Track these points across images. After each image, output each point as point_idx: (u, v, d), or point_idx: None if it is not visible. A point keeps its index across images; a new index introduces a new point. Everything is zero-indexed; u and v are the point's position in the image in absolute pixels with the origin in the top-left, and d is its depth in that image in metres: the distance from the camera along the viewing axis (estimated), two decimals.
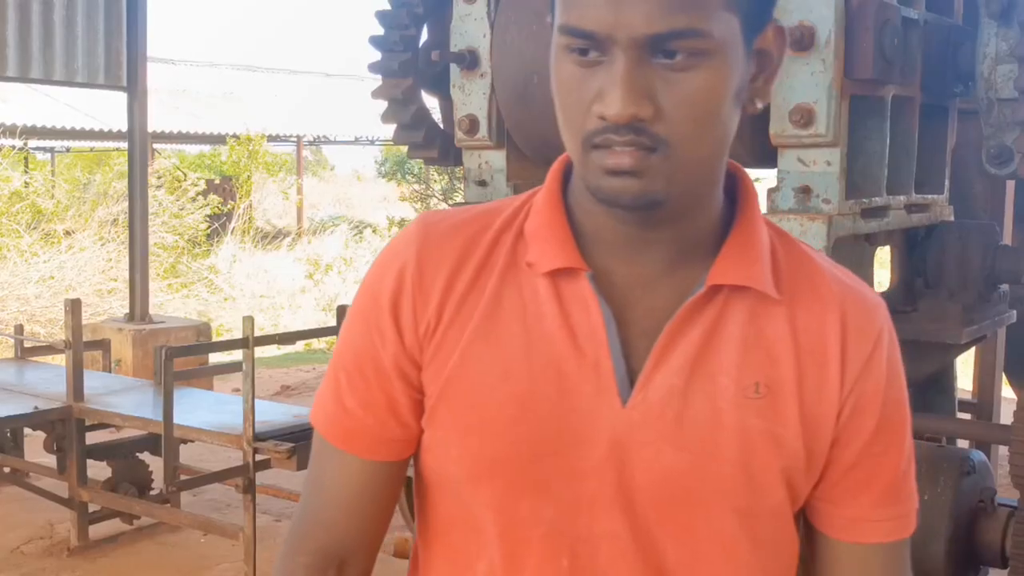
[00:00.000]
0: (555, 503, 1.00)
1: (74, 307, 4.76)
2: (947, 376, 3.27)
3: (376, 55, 3.12)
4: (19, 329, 5.97)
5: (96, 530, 4.96)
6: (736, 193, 1.05)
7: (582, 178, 0.97)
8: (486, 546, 1.03)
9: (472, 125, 2.97)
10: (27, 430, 5.35)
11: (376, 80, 3.15)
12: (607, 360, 0.99)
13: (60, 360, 5.19)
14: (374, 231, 16.98)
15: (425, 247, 1.05)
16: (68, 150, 20.20)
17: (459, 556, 1.06)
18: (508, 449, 1.00)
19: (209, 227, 14.85)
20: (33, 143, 15.98)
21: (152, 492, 5.00)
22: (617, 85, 0.90)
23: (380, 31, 3.10)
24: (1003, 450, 3.59)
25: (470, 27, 2.95)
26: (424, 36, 3.14)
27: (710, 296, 0.99)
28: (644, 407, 0.98)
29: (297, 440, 4.16)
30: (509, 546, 1.02)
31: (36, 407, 4.70)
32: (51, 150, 19.99)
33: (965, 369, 4.99)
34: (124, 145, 8.90)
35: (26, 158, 15.83)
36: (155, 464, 4.78)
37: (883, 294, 2.52)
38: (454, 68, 3.00)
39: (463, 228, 1.06)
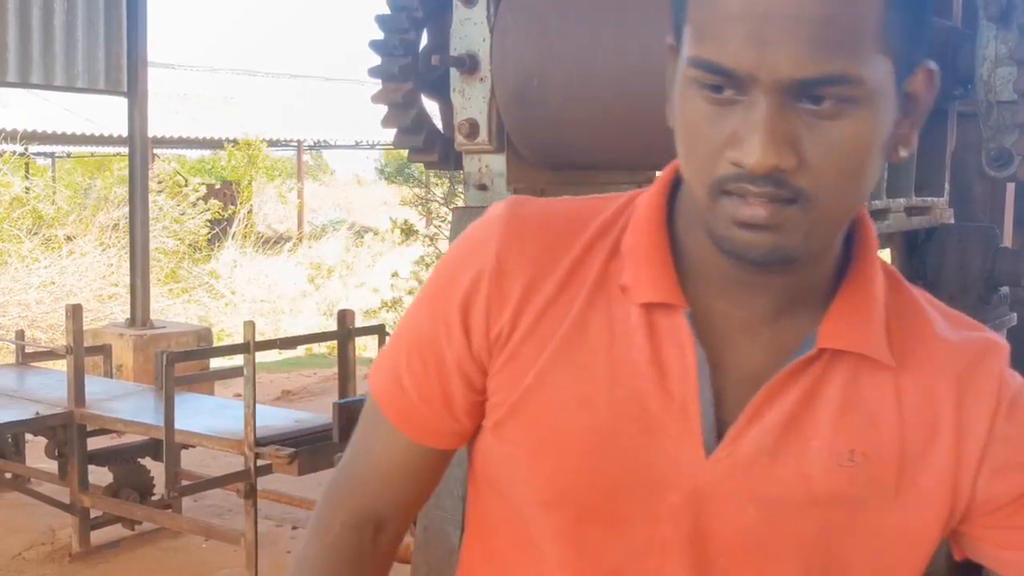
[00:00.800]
0: (626, 541, 0.96)
1: (75, 312, 4.76)
2: None
3: (376, 59, 3.13)
4: (20, 334, 5.98)
5: (97, 536, 4.96)
6: (853, 236, 0.96)
7: (706, 223, 0.88)
8: (546, 569, 1.00)
9: (472, 129, 2.97)
10: (28, 436, 5.35)
11: (376, 84, 3.16)
12: (695, 405, 0.93)
13: (61, 365, 5.19)
14: (375, 235, 16.99)
15: (509, 243, 0.97)
16: (69, 155, 20.23)
17: (522, 569, 1.03)
18: (584, 479, 0.95)
19: (210, 232, 14.85)
20: (34, 148, 16.00)
21: (153, 497, 5.00)
22: (758, 132, 0.81)
23: (380, 35, 3.11)
24: None
25: (470, 31, 2.96)
26: (424, 40, 3.14)
27: (816, 355, 0.92)
28: (730, 461, 0.93)
29: (298, 445, 4.16)
30: (576, 573, 0.98)
31: (37, 412, 4.70)
32: (51, 155, 20.01)
33: None
34: (124, 150, 8.91)
35: (27, 163, 15.84)
36: (156, 469, 4.79)
37: None
38: (454, 72, 3.00)
39: (554, 227, 0.99)
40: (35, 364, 5.80)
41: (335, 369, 4.80)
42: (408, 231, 10.13)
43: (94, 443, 4.95)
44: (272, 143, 18.59)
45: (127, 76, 7.56)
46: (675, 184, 0.97)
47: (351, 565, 1.10)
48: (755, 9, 0.80)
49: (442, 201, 10.23)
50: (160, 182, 14.21)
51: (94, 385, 5.04)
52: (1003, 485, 0.95)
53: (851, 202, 0.87)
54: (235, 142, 17.58)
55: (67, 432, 4.76)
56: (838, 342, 0.92)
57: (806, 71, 0.80)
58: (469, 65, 2.95)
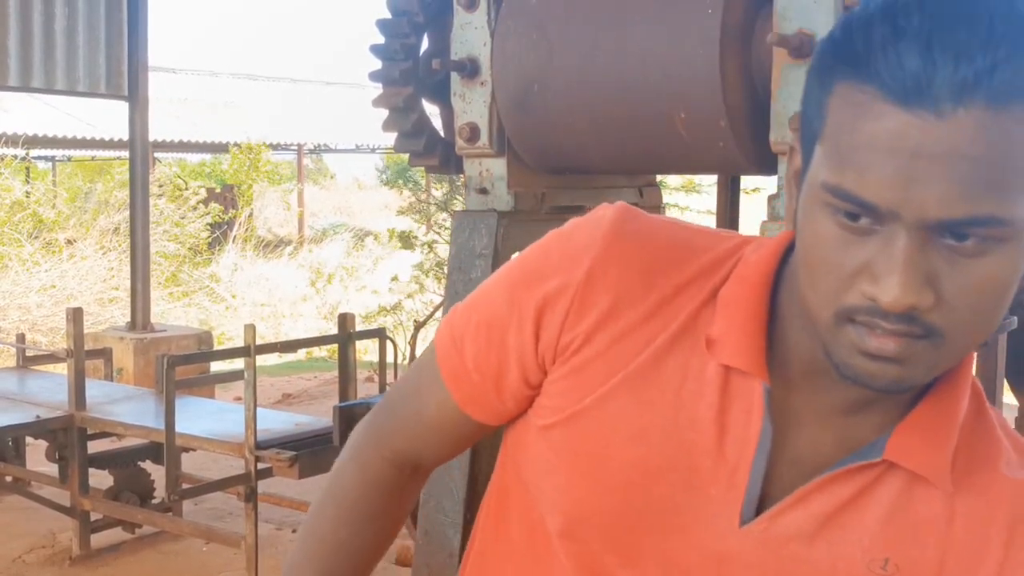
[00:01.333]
0: (640, 573, 0.96)
1: (76, 316, 4.76)
2: None
3: (377, 63, 3.13)
4: (21, 338, 5.98)
5: (98, 539, 4.96)
6: None
7: (825, 345, 0.85)
8: (560, 561, 1.00)
9: (473, 133, 2.98)
10: (29, 439, 5.35)
11: (377, 88, 3.16)
12: (745, 475, 0.91)
13: (62, 369, 5.20)
14: (376, 239, 16.99)
15: (605, 259, 0.95)
16: (69, 159, 20.24)
17: (534, 559, 1.03)
18: (614, 510, 0.95)
19: (210, 236, 14.86)
20: (34, 152, 16.02)
21: (154, 501, 5.00)
22: (897, 270, 0.77)
23: (380, 39, 3.12)
24: None
25: (471, 36, 2.97)
26: (425, 45, 3.15)
27: (878, 463, 0.91)
28: (764, 536, 0.92)
29: (299, 448, 4.16)
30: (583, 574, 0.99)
31: (38, 416, 4.70)
32: (52, 159, 20.02)
33: None
34: (125, 154, 8.92)
35: (27, 167, 15.85)
36: (157, 473, 4.79)
37: None
38: (455, 76, 3.01)
39: (655, 255, 0.96)
40: (36, 367, 5.80)
41: (335, 372, 4.80)
42: (406, 241, 10.12)
43: (94, 446, 4.95)
44: (272, 147, 18.60)
45: (128, 80, 7.57)
46: (789, 249, 0.94)
47: (391, 498, 1.16)
48: (905, 144, 0.76)
49: (441, 205, 10.23)
50: (161, 186, 14.22)
51: (95, 388, 5.04)
52: None
53: (983, 336, 0.84)
54: (238, 146, 17.59)
55: (67, 435, 4.76)
56: (905, 460, 0.90)
57: (954, 212, 0.76)
58: (470, 69, 2.96)
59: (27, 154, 14.51)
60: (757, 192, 6.49)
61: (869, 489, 0.91)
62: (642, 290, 0.95)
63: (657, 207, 3.51)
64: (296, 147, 19.43)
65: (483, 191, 3.02)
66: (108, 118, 13.80)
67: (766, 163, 2.61)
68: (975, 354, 0.94)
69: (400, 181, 17.92)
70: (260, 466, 4.20)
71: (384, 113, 3.17)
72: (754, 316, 0.92)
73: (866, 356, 0.81)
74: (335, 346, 4.77)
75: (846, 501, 0.91)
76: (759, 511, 0.93)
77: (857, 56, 0.78)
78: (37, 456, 5.28)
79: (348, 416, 3.62)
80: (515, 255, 1.08)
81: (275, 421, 4.58)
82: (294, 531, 5.27)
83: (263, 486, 4.45)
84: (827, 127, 0.81)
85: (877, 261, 0.79)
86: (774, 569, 0.92)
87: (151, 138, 8.07)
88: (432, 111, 3.25)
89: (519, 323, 0.99)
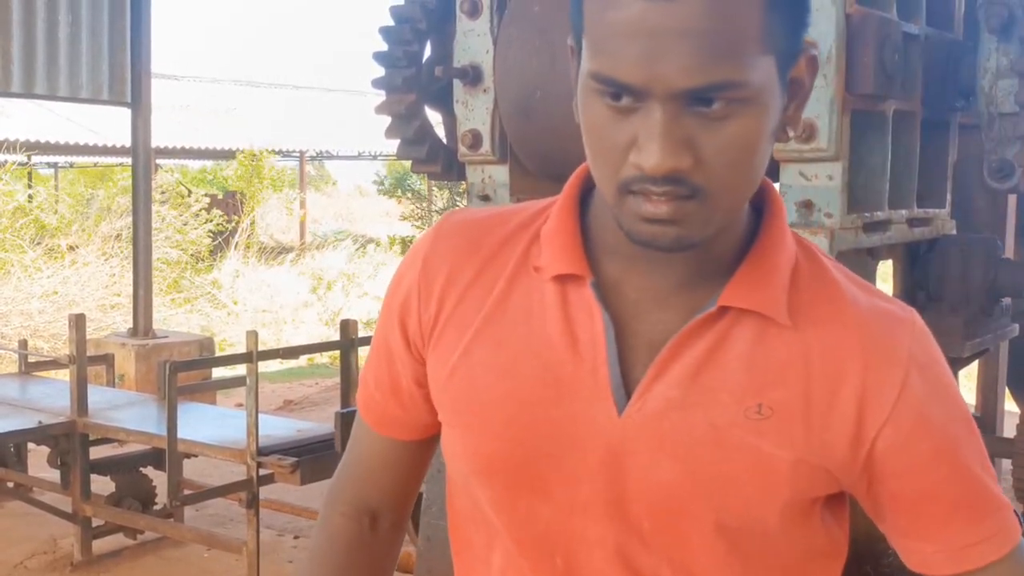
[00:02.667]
0: (551, 504, 1.01)
1: (78, 322, 4.77)
2: None
3: (380, 71, 3.14)
4: (23, 344, 5.99)
5: (100, 545, 4.96)
6: (763, 207, 1.03)
7: (616, 218, 0.94)
8: (498, 537, 1.06)
9: (475, 140, 2.99)
10: (31, 445, 5.36)
11: (379, 95, 3.17)
12: (604, 368, 0.98)
13: (64, 375, 5.20)
14: (377, 245, 17.00)
15: (436, 240, 1.08)
16: (71, 165, 20.26)
17: (477, 546, 1.10)
18: (504, 448, 1.01)
19: (212, 242, 14.86)
20: (36, 158, 16.02)
21: (155, 507, 5.00)
22: (655, 138, 0.87)
23: (383, 46, 3.12)
24: (1006, 463, 3.59)
25: (473, 43, 2.97)
26: (427, 52, 3.15)
27: (719, 315, 0.98)
28: (640, 417, 0.97)
29: (300, 455, 4.16)
30: (514, 540, 1.05)
31: (40, 422, 4.71)
32: (54, 165, 20.04)
33: (968, 383, 4.99)
34: (127, 160, 8.93)
35: (29, 173, 15.87)
36: (159, 479, 4.79)
37: None
38: (457, 83, 3.01)
39: (477, 223, 1.08)
40: (37, 373, 5.81)
41: (337, 379, 4.80)
42: (408, 247, 10.16)
43: (96, 452, 4.95)
44: (275, 153, 18.61)
45: (131, 87, 7.58)
46: (591, 179, 1.04)
47: (349, 550, 1.21)
48: (644, 26, 0.85)
49: (441, 213, 10.24)
50: (163, 192, 14.23)
51: (96, 394, 5.04)
52: (906, 454, 0.98)
53: (745, 188, 0.94)
54: (241, 152, 17.59)
55: (69, 441, 4.76)
56: (736, 301, 0.97)
57: (694, 81, 0.85)
58: (472, 77, 2.96)
59: (29, 160, 14.52)
60: None
61: (721, 345, 0.98)
62: (471, 252, 1.06)
63: None
64: (298, 154, 19.44)
65: (485, 198, 3.02)
66: (110, 124, 13.80)
67: (768, 170, 2.62)
68: (784, 211, 1.03)
69: (399, 191, 17.92)
70: (262, 472, 4.20)
71: (386, 120, 3.17)
72: (567, 229, 1.02)
73: (646, 221, 0.91)
74: (337, 352, 4.77)
75: (702, 358, 0.97)
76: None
77: None
78: (39, 462, 5.29)
79: (350, 422, 3.61)
80: None
81: (277, 427, 4.58)
82: (296, 537, 5.26)
83: (265, 492, 4.45)
84: (585, 22, 0.91)
85: (640, 134, 0.88)
86: (661, 445, 0.97)
87: (153, 144, 8.08)
88: (435, 118, 3.25)
89: (391, 330, 1.11)
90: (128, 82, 7.57)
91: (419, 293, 1.07)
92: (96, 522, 4.92)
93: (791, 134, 0.97)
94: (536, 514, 1.02)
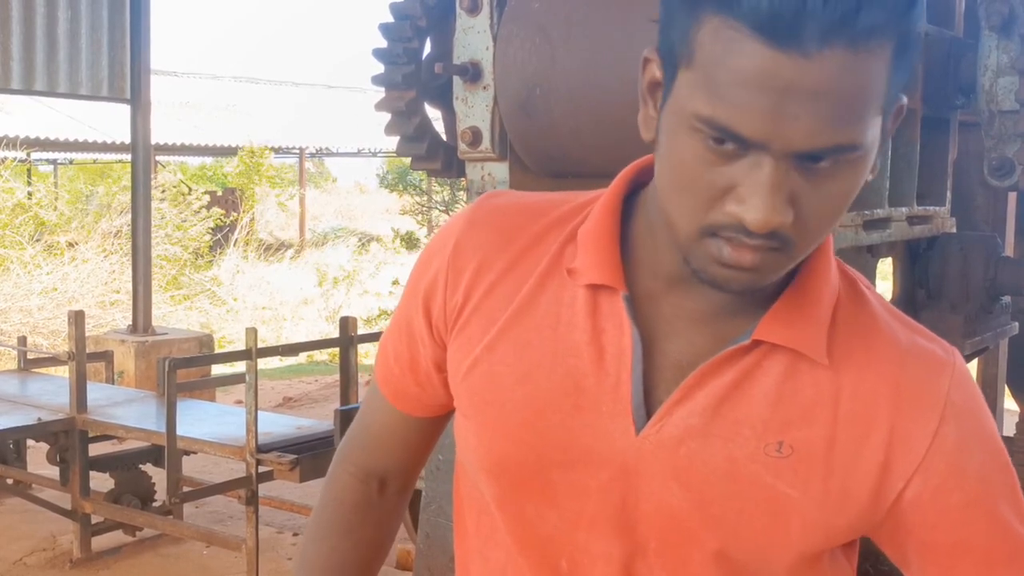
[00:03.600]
0: (558, 513, 1.00)
1: (77, 319, 4.77)
2: None
3: (379, 67, 3.13)
4: (22, 341, 5.98)
5: (99, 542, 4.96)
6: None
7: (684, 252, 0.90)
8: (499, 532, 1.06)
9: (475, 137, 2.98)
10: (30, 442, 5.36)
11: (379, 92, 3.16)
12: (627, 384, 0.95)
13: (63, 372, 5.20)
14: (378, 242, 17.00)
15: (468, 228, 1.05)
16: (71, 162, 20.25)
17: (482, 540, 1.09)
18: (516, 451, 1.00)
19: (212, 239, 14.86)
20: (36, 155, 16.02)
21: (155, 504, 5.00)
22: (762, 195, 0.83)
23: (383, 43, 3.12)
24: None
25: (473, 40, 2.97)
26: (427, 49, 3.15)
27: (751, 346, 0.94)
28: (657, 439, 0.95)
29: (300, 452, 4.16)
30: (515, 539, 1.04)
31: (39, 419, 4.71)
32: (54, 162, 20.04)
33: None
34: (126, 157, 8.93)
35: (29, 170, 15.87)
36: (158, 476, 4.79)
37: None
38: (457, 80, 3.01)
39: (514, 213, 1.05)
40: (37, 370, 5.81)
41: (337, 376, 4.80)
42: (409, 241, 10.14)
43: (95, 449, 4.96)
44: (274, 150, 18.61)
45: (130, 84, 7.58)
46: (638, 179, 1.01)
47: (357, 510, 1.22)
48: (774, 83, 0.80)
49: (443, 209, 10.24)
50: (163, 190, 14.22)
51: (96, 391, 5.04)
52: (938, 503, 0.94)
53: (825, 237, 0.92)
54: (240, 148, 17.58)
55: (69, 438, 4.77)
56: (772, 336, 0.94)
57: (816, 143, 0.82)
58: (472, 73, 2.96)
59: (29, 156, 14.51)
60: None
61: (750, 377, 0.94)
62: (504, 244, 1.03)
63: None
64: (298, 150, 19.43)
65: None
66: (110, 121, 13.82)
67: None
68: (831, 240, 0.99)
69: (400, 185, 17.92)
70: (261, 469, 4.20)
71: (386, 117, 3.17)
72: (606, 235, 0.98)
73: (723, 266, 0.87)
74: (336, 350, 4.77)
75: (728, 389, 0.94)
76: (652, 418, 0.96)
77: None
78: (38, 459, 5.29)
79: (349, 419, 3.62)
80: None
81: (276, 424, 4.58)
82: (295, 534, 5.26)
83: (264, 489, 4.45)
84: (697, 58, 0.84)
85: (744, 184, 0.84)
86: (674, 471, 0.95)
87: (153, 141, 8.08)
88: (434, 115, 3.25)
89: (415, 310, 1.08)
90: (128, 79, 7.56)
91: (447, 279, 1.04)
92: (95, 519, 4.92)
93: (870, 178, 0.91)
94: (541, 520, 1.01)
